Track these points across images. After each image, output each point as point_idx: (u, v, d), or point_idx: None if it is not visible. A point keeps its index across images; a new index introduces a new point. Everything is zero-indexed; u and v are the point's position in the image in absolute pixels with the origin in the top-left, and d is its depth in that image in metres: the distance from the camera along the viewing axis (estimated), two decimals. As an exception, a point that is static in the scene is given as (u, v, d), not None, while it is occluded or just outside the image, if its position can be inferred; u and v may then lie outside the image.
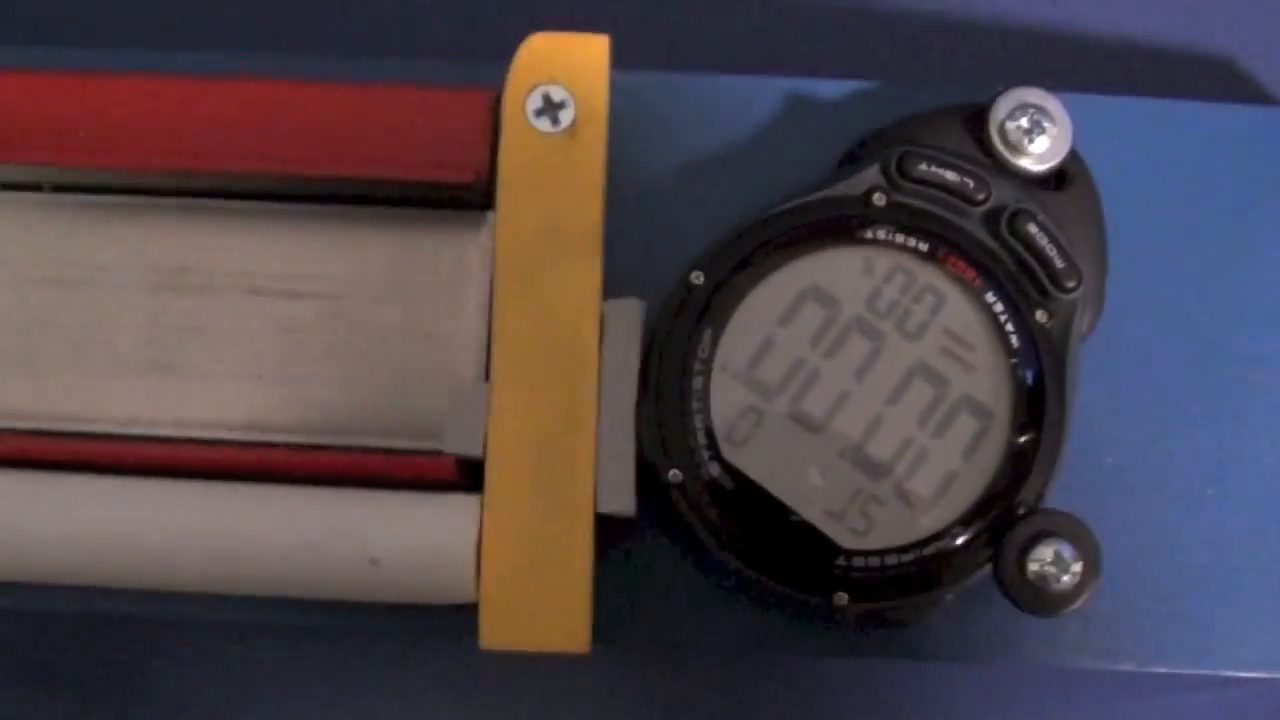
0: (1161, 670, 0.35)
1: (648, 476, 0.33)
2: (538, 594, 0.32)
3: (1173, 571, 0.35)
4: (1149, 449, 0.36)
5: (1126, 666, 0.35)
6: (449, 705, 0.39)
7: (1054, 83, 0.34)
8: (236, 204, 0.35)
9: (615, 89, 0.35)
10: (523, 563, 0.32)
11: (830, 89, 0.36)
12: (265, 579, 0.32)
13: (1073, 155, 0.34)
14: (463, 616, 0.32)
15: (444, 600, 0.32)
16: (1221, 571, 0.35)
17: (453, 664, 0.39)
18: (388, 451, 0.33)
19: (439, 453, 0.33)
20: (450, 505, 0.32)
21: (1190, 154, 0.36)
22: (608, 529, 0.33)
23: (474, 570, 0.32)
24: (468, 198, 0.34)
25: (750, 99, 0.36)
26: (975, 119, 0.34)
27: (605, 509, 0.32)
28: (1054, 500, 0.33)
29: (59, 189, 0.35)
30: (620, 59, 0.35)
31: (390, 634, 0.37)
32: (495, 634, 0.32)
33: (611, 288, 0.34)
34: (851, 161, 0.34)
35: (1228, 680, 0.37)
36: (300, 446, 0.33)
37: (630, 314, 0.33)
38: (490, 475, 0.32)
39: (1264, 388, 0.36)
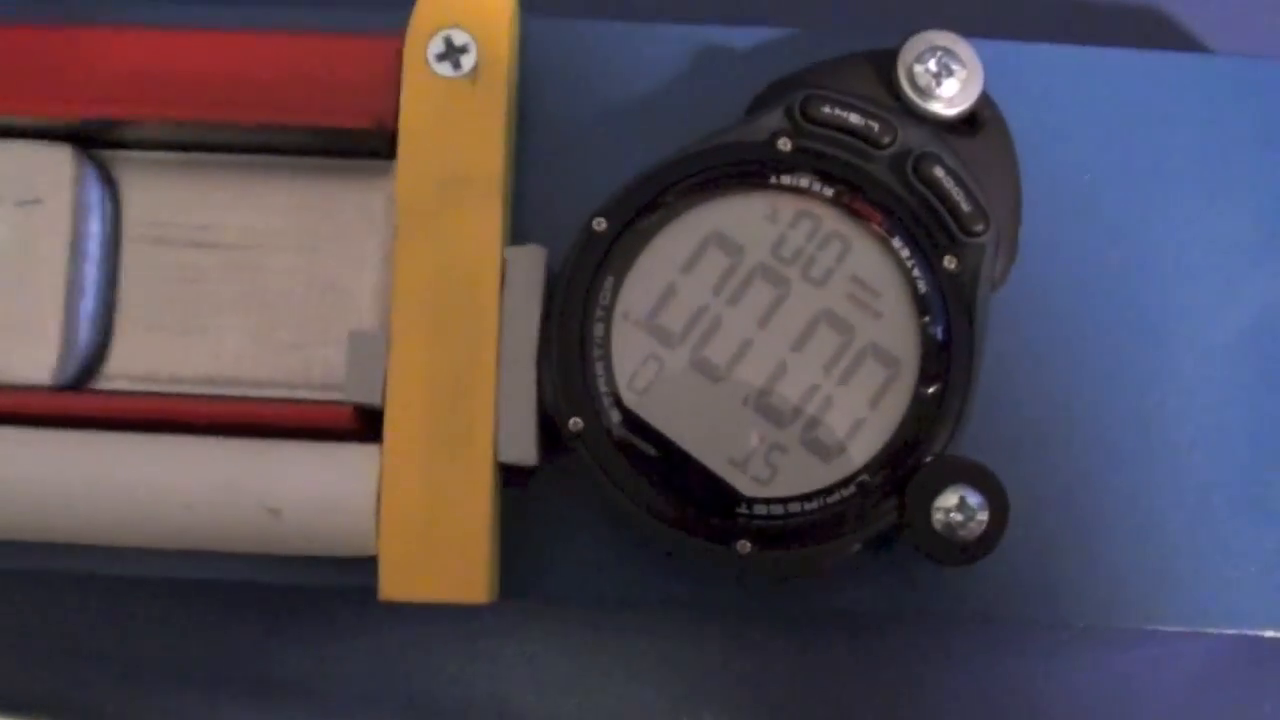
0: (1079, 624, 0.35)
1: (553, 426, 0.32)
2: (437, 544, 0.32)
3: (1093, 524, 0.35)
4: (1068, 400, 0.35)
5: (1044, 621, 0.35)
6: (352, 657, 0.39)
7: (976, 30, 0.34)
8: (138, 154, 0.34)
9: (525, 36, 0.35)
10: (422, 513, 0.32)
11: (743, 36, 0.36)
12: (165, 530, 0.32)
13: (985, 100, 0.33)
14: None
15: (347, 552, 0.32)
16: (1144, 524, 0.35)
17: (360, 617, 0.38)
18: (291, 402, 0.33)
19: (341, 402, 0.32)
20: (350, 455, 0.32)
21: (1111, 102, 0.36)
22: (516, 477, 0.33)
23: (375, 521, 0.31)
24: (373, 146, 0.34)
25: (662, 46, 0.36)
26: (884, 63, 0.33)
27: (506, 458, 0.32)
28: (969, 453, 0.33)
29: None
30: (531, 4, 0.35)
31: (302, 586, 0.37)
32: (394, 585, 0.32)
33: (523, 237, 0.34)
34: (759, 108, 0.34)
35: (1150, 635, 0.36)
36: (202, 397, 0.33)
37: (532, 261, 0.32)
38: (389, 424, 0.32)
39: (1184, 337, 0.35)
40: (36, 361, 0.33)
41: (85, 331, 0.33)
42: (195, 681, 0.39)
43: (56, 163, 0.33)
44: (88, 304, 0.33)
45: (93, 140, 0.34)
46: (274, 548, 0.32)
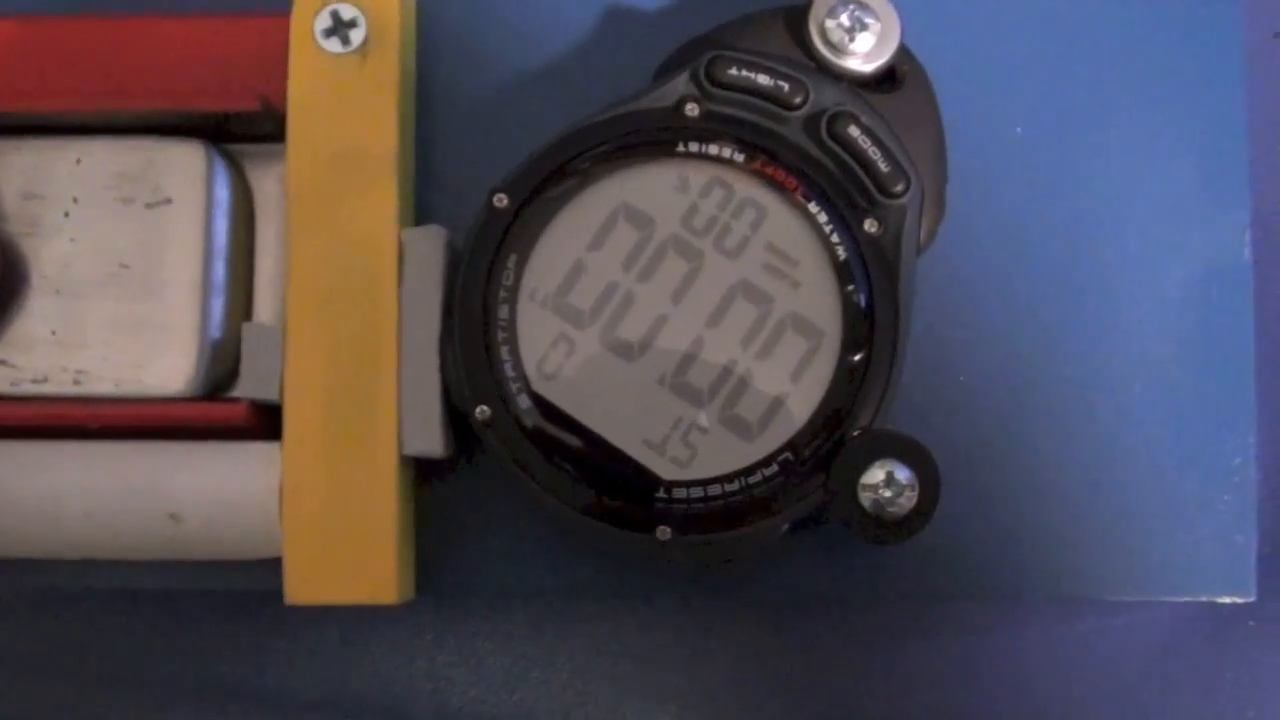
0: (1029, 598, 0.33)
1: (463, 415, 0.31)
2: (343, 544, 0.30)
3: (1039, 494, 0.33)
4: (1007, 365, 0.34)
5: (989, 596, 0.33)
6: (287, 661, 0.37)
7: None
8: (15, 140, 0.33)
9: (419, 6, 0.33)
10: (326, 511, 0.30)
11: (650, -3, 0.34)
12: (65, 539, 0.31)
13: (904, 53, 0.32)
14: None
15: (254, 554, 0.31)
16: (1093, 490, 0.33)
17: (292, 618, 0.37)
18: (187, 402, 0.32)
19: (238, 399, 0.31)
20: (250, 454, 0.31)
21: (1041, 50, 0.34)
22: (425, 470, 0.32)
23: (279, 522, 0.30)
24: (264, 129, 0.32)
25: (565, 10, 0.34)
26: (796, 20, 0.32)
27: (410, 451, 0.31)
28: (903, 424, 0.31)
29: None
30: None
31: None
32: (301, 588, 0.31)
33: (427, 218, 0.32)
34: (666, 73, 0.32)
35: (1104, 606, 0.35)
36: (95, 399, 0.32)
37: (431, 242, 0.31)
38: (288, 420, 0.31)
39: (1128, 294, 0.34)
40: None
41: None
42: (130, 690, 0.38)
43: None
44: None
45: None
46: (179, 554, 0.31)
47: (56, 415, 0.31)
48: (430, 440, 0.31)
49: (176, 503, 0.30)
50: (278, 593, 0.31)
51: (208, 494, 0.30)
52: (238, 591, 0.35)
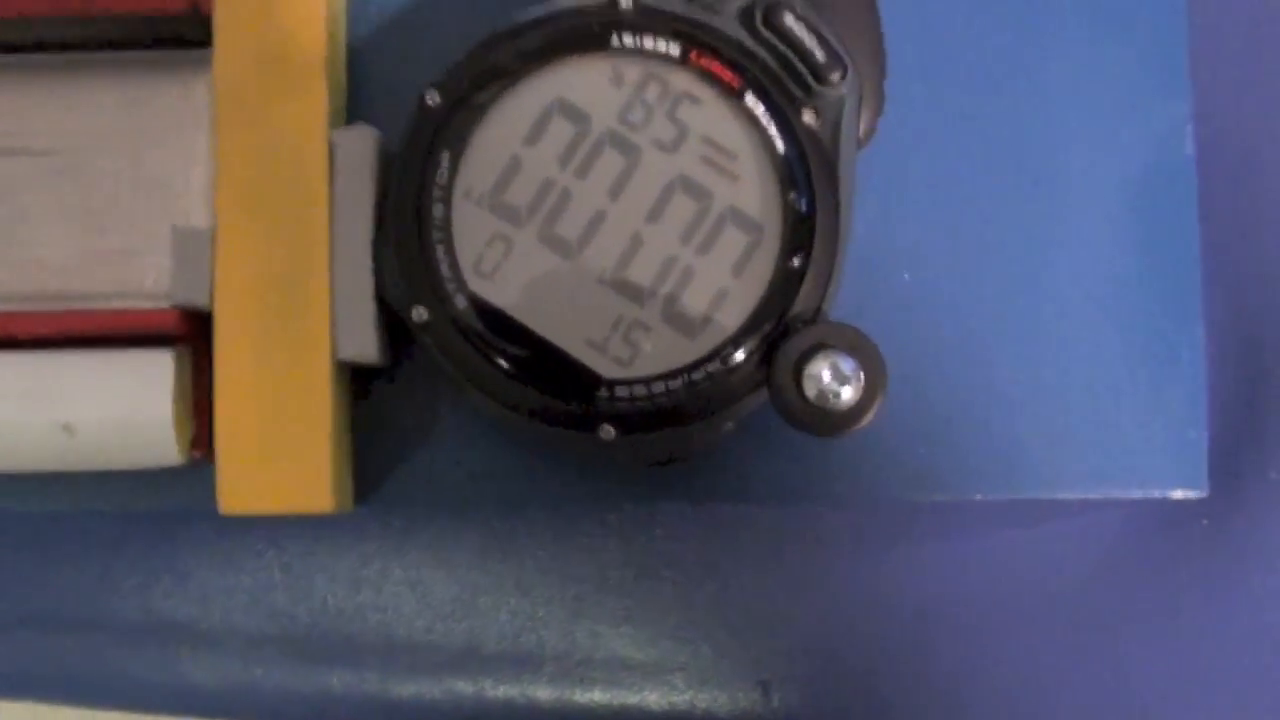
0: (979, 498, 0.33)
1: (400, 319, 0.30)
2: (278, 452, 0.30)
3: (986, 392, 0.33)
4: (951, 263, 0.33)
5: (940, 496, 0.33)
6: (231, 591, 0.37)
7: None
8: None
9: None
10: (260, 419, 0.30)
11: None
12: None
13: (840, -55, 0.31)
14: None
15: (151, 463, 0.30)
16: (1039, 388, 0.33)
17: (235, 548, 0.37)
18: (113, 312, 0.31)
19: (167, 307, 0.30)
20: (145, 361, 0.30)
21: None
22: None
23: (173, 429, 0.29)
24: (192, 33, 0.31)
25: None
26: (730, -88, 0.31)
27: (345, 355, 0.30)
28: (847, 321, 0.31)
29: None
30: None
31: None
32: (235, 497, 0.30)
33: (361, 119, 0.32)
34: (600, -33, 0.31)
35: (1056, 506, 0.34)
36: (19, 313, 0.31)
37: (362, 142, 0.30)
38: (218, 326, 0.30)
39: (1072, 190, 0.33)
40: None
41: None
42: (69, 623, 0.37)
43: None
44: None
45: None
46: (73, 465, 0.30)
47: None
48: (365, 344, 0.30)
49: (69, 412, 0.30)
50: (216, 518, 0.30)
51: (101, 404, 0.30)
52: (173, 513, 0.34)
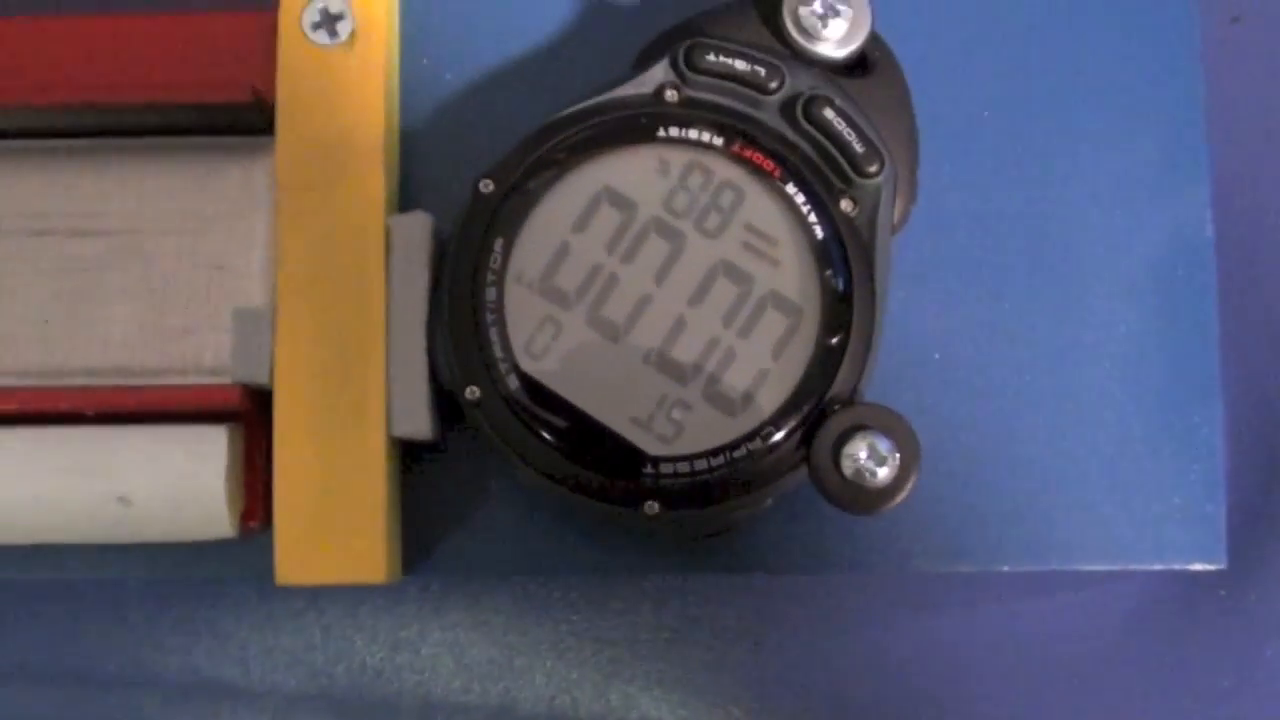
0: (1004, 569, 0.34)
1: (452, 396, 0.31)
2: (333, 524, 0.31)
3: (1011, 466, 0.34)
4: (979, 342, 0.34)
5: (966, 568, 0.34)
6: (271, 653, 0.38)
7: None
8: (15, 143, 0.33)
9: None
10: (316, 493, 0.31)
11: (629, -9, 0.35)
12: (10, 525, 0.31)
13: (874, 39, 0.33)
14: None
15: (204, 536, 0.31)
16: (1063, 463, 0.34)
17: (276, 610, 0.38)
18: (177, 388, 0.32)
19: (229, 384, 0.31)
20: (199, 436, 0.31)
21: (1005, 35, 0.35)
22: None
23: (227, 503, 0.30)
24: (254, 121, 0.33)
25: (546, 3, 0.35)
26: (770, 8, 0.33)
27: (399, 432, 0.31)
28: (879, 399, 0.32)
29: None
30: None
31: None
32: (291, 569, 0.31)
33: (414, 206, 0.33)
34: (645, 61, 0.33)
35: (1077, 578, 0.36)
36: (86, 388, 0.32)
37: (417, 228, 0.32)
38: (278, 403, 0.31)
39: (1094, 271, 0.35)
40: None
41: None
42: (113, 683, 0.38)
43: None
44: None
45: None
46: (128, 536, 0.31)
47: (46, 402, 0.31)
48: (418, 422, 0.31)
49: (125, 485, 0.31)
50: (261, 582, 0.31)
51: (157, 476, 0.31)
52: (220, 580, 0.35)
